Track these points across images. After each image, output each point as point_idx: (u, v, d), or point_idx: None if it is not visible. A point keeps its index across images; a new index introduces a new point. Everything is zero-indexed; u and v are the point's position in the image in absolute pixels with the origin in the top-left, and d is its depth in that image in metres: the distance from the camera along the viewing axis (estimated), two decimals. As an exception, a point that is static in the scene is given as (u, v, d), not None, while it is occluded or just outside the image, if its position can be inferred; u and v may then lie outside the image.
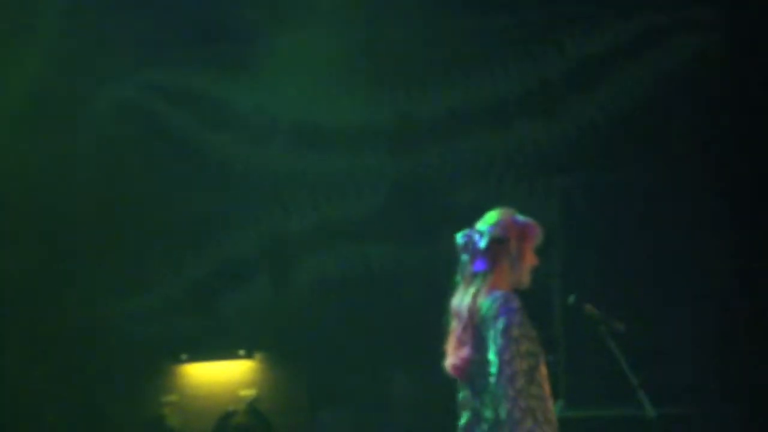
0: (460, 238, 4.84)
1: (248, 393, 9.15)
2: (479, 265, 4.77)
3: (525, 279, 4.78)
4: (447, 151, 8.73)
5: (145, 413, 9.03)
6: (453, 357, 4.74)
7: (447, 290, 4.94)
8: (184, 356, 9.14)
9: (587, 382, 7.30)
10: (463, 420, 4.81)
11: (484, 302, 4.64)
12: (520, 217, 4.81)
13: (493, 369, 4.47)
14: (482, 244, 4.74)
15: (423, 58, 8.67)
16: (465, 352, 4.71)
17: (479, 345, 4.65)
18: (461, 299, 4.76)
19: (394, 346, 8.47)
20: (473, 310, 4.67)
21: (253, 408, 9.02)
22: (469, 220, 8.03)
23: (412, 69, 8.72)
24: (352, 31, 8.49)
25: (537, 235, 4.79)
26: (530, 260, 4.81)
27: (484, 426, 4.63)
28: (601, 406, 7.13)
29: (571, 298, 5.26)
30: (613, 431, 7.04)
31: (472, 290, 4.71)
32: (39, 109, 8.77)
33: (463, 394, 4.86)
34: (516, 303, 4.45)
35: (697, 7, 8.47)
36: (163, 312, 8.95)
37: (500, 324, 4.47)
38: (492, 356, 4.46)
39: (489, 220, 4.80)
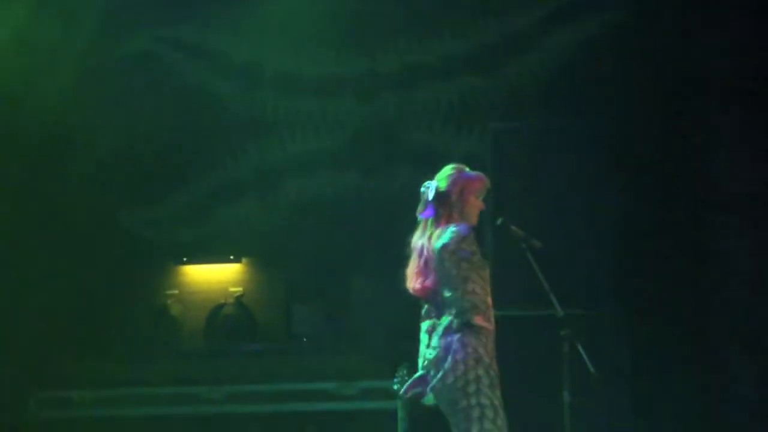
0: (422, 188, 6.04)
1: (236, 290, 10.42)
2: (427, 213, 6.04)
3: (471, 220, 5.95)
4: (403, 100, 9.95)
5: (153, 304, 10.28)
6: (415, 283, 6.04)
7: (400, 214, 6.61)
8: (184, 259, 10.43)
9: (511, 289, 7.93)
10: (424, 327, 6.06)
11: (438, 238, 5.82)
12: (468, 172, 6.10)
13: (450, 287, 5.65)
14: (430, 196, 5.94)
15: (384, 20, 9.75)
16: (427, 282, 5.96)
17: (438, 274, 5.84)
18: (418, 237, 6.02)
19: (356, 256, 9.69)
20: (429, 248, 5.89)
21: (239, 302, 10.31)
22: (420, 156, 9.11)
23: (375, 30, 9.81)
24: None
25: (480, 188, 6.09)
26: (474, 206, 6.04)
27: (440, 329, 5.82)
28: (523, 308, 8.06)
29: (499, 220, 6.53)
30: (532, 327, 7.98)
31: (428, 232, 5.92)
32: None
33: (425, 309, 6.07)
34: (466, 231, 5.70)
35: None
36: (169, 222, 10.21)
37: (455, 251, 5.68)
38: (448, 278, 5.65)
39: (441, 174, 6.03)
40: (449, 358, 5.82)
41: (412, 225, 6.33)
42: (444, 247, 5.80)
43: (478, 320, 5.83)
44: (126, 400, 9.33)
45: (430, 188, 6.08)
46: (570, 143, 8.98)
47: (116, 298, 10.05)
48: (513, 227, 6.53)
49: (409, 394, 6.55)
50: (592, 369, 6.58)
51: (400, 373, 7.07)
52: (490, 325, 5.89)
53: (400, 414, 7.38)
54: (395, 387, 7.08)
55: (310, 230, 10.10)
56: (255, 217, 10.24)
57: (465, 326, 5.81)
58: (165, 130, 9.69)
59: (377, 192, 9.87)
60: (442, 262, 5.86)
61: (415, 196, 6.26)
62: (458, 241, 5.76)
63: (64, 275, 9.54)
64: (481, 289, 5.80)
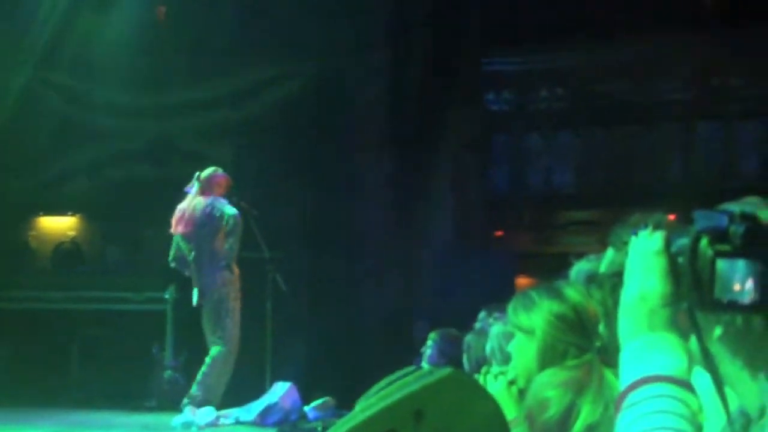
0: (195, 174, 9.31)
1: (71, 233, 13.03)
2: (189, 189, 9.50)
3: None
4: (183, 121, 12.66)
5: (18, 239, 12.79)
6: (176, 228, 9.40)
7: (175, 191, 9.67)
8: (41, 213, 12.91)
9: (243, 240, 9.69)
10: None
11: (197, 204, 9.22)
12: (218, 172, 9.50)
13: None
14: (194, 183, 9.42)
15: (169, 70, 12.49)
16: (184, 228, 9.31)
17: (197, 225, 9.12)
18: (184, 203, 9.29)
19: (148, 216, 11.64)
20: (190, 209, 9.20)
21: (74, 241, 12.85)
22: (192, 157, 11.71)
23: (166, 76, 12.46)
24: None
25: (221, 181, 9.48)
26: (217, 192, 9.36)
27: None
28: (243, 251, 9.69)
29: (234, 198, 9.53)
30: (249, 264, 9.81)
31: (192, 201, 9.22)
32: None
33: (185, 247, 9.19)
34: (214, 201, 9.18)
35: (300, 62, 12.39)
36: (32, 189, 12.73)
37: (211, 211, 9.10)
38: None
39: (207, 170, 9.51)
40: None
41: (181, 197, 9.60)
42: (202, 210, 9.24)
43: None
44: (3, 297, 11.78)
45: (198, 174, 9.53)
46: (279, 156, 12.08)
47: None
48: (242, 203, 9.67)
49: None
50: (284, 287, 9.77)
51: (170, 289, 10.68)
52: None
53: (169, 313, 10.84)
54: (166, 296, 10.72)
55: (118, 199, 12.57)
56: (84, 190, 12.89)
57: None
58: (35, 134, 12.44)
59: (163, 178, 12.06)
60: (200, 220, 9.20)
61: (187, 182, 9.61)
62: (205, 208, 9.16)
63: None
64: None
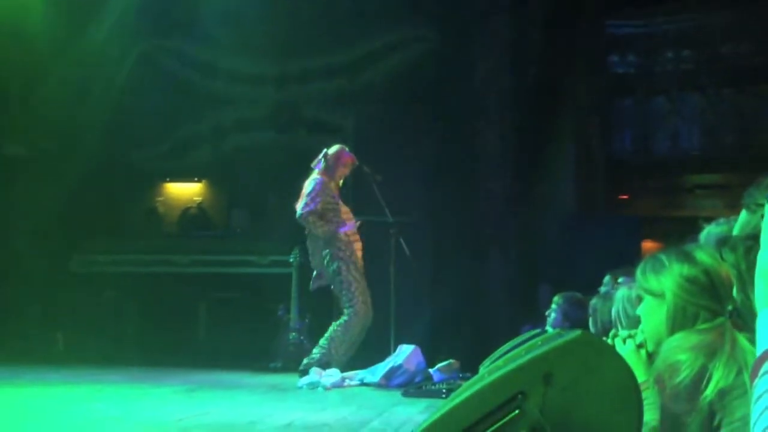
0: (324, 149, 9.15)
1: (198, 199, 13.30)
2: (318, 165, 9.26)
3: (336, 177, 9.11)
4: (303, 90, 12.86)
5: (146, 206, 13.16)
6: (296, 205, 9.09)
7: (300, 160, 9.53)
8: (168, 179, 13.29)
9: (364, 205, 9.90)
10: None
11: (307, 183, 9.03)
12: (345, 150, 9.28)
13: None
14: (321, 156, 9.23)
15: (291, 41, 12.44)
16: (297, 206, 9.08)
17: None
18: (307, 179, 9.11)
19: (272, 182, 12.07)
20: (306, 185, 9.11)
21: (200, 206, 13.11)
22: (314, 125, 12.43)
23: (285, 47, 12.54)
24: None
25: (349, 162, 9.27)
26: (342, 172, 9.22)
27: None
28: (370, 216, 9.74)
29: (357, 163, 9.36)
30: (374, 227, 9.82)
31: (312, 175, 9.12)
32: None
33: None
34: (320, 179, 8.95)
35: (421, 28, 12.43)
36: (159, 158, 13.03)
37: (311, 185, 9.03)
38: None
39: (333, 147, 9.30)
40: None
41: (304, 165, 9.41)
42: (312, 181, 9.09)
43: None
44: (131, 262, 12.09)
45: (326, 151, 9.26)
46: (400, 123, 12.09)
47: (129, 201, 12.93)
48: (364, 167, 9.56)
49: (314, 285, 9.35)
50: (408, 252, 9.63)
51: (294, 252, 10.63)
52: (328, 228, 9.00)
53: (294, 276, 10.77)
54: (291, 260, 10.67)
55: (242, 165, 12.82)
56: (210, 157, 13.17)
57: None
58: (159, 102, 12.23)
59: (286, 145, 12.36)
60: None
61: (310, 150, 9.52)
62: (312, 190, 9.04)
63: (95, 186, 12.22)
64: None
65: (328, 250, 9.09)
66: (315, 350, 9.26)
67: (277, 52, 12.66)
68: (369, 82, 12.71)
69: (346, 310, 9.13)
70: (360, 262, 9.23)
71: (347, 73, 12.90)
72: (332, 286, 9.21)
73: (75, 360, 10.73)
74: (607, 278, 6.47)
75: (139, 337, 11.66)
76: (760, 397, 1.58)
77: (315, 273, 9.27)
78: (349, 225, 9.23)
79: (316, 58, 12.86)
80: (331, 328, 9.24)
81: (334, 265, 9.08)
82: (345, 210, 9.35)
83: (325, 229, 9.11)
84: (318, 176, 9.17)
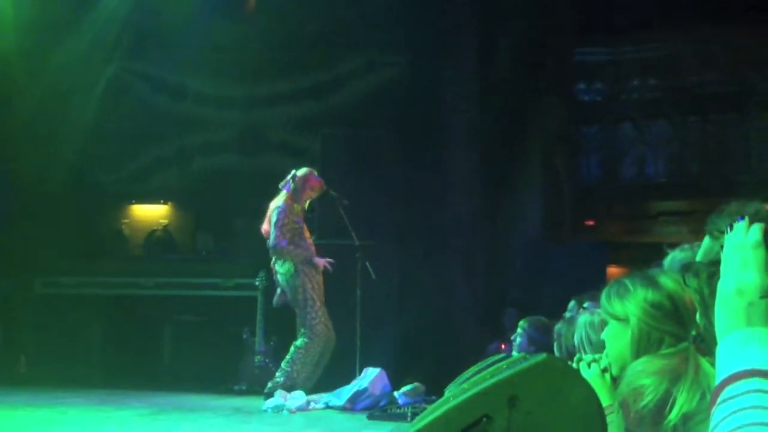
0: (291, 171, 9.08)
1: (164, 221, 13.34)
2: (286, 187, 9.22)
3: (303, 201, 9.12)
4: (272, 113, 12.97)
5: (112, 228, 13.23)
6: (263, 226, 9.14)
7: (266, 183, 9.54)
8: (133, 201, 13.34)
9: (329, 228, 10.34)
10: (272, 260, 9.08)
11: (273, 204, 8.99)
12: (313, 174, 9.25)
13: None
14: (289, 180, 9.18)
15: (260, 64, 12.72)
16: (264, 228, 9.17)
17: (270, 224, 8.93)
18: (274, 201, 9.07)
19: (238, 206, 11.97)
20: (271, 207, 9.05)
21: (165, 229, 13.15)
22: (280, 148, 12.40)
23: (254, 70, 12.83)
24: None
25: (315, 185, 9.24)
26: (309, 195, 9.24)
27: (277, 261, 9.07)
28: (332, 238, 10.10)
29: (324, 188, 9.40)
30: (339, 251, 9.69)
31: (279, 198, 9.05)
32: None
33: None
34: (282, 202, 8.91)
35: (389, 53, 12.56)
36: (125, 180, 13.18)
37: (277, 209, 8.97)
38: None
39: (301, 169, 9.23)
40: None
41: (270, 188, 9.43)
42: (276, 209, 9.04)
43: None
44: (95, 284, 11.99)
45: (294, 173, 9.23)
46: (367, 147, 12.02)
47: (94, 223, 12.93)
48: (331, 191, 9.58)
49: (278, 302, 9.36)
50: (374, 276, 9.59)
51: (260, 275, 10.51)
52: (301, 253, 8.94)
53: (260, 299, 10.64)
54: (257, 283, 10.57)
55: (208, 187, 12.90)
56: (176, 178, 13.26)
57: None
58: (126, 124, 12.70)
59: (253, 168, 12.49)
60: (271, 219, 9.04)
61: (277, 173, 9.50)
62: (278, 221, 8.99)
63: (61, 207, 12.07)
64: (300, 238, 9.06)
65: (292, 265, 9.07)
66: (278, 374, 9.25)
67: (245, 75, 12.83)
68: (336, 105, 12.85)
69: (303, 330, 9.11)
70: (321, 287, 9.25)
71: (315, 96, 13.06)
72: (292, 303, 9.19)
73: (38, 382, 10.66)
74: (572, 303, 6.50)
75: (103, 359, 11.62)
76: (716, 426, 1.60)
77: (279, 290, 9.26)
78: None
79: (284, 81, 13.02)
80: (291, 351, 9.23)
81: (298, 280, 9.07)
82: (308, 234, 9.39)
83: (301, 256, 9.15)
84: (282, 204, 9.14)
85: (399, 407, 8.64)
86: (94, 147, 12.78)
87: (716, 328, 1.72)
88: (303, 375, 9.13)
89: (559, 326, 5.27)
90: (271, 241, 9.07)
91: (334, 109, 12.83)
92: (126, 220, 13.37)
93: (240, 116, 13.18)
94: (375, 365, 9.28)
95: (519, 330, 7.05)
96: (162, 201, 13.45)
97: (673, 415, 2.66)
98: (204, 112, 13.17)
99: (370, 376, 9.03)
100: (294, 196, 9.23)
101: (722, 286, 1.72)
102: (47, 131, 12.34)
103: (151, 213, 13.48)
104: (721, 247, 1.84)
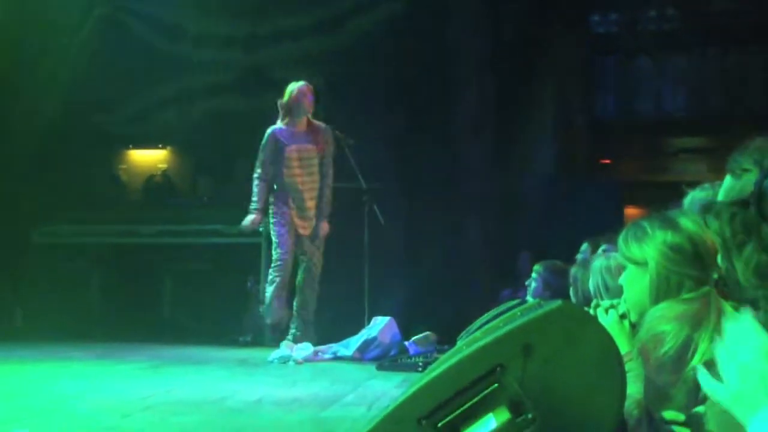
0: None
1: (162, 166, 13.27)
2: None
3: (306, 110, 9.16)
4: (273, 51, 12.84)
5: (109, 172, 13.07)
6: None
7: (268, 122, 9.48)
8: (131, 146, 13.23)
9: (338, 171, 9.73)
10: None
11: None
12: (297, 84, 9.31)
13: None
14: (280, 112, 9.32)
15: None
16: None
17: None
18: None
19: (238, 146, 11.53)
20: None
21: (164, 173, 13.10)
22: (283, 87, 10.82)
23: (257, 5, 12.71)
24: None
25: (303, 90, 9.27)
26: (305, 105, 9.19)
27: None
28: (339, 181, 9.72)
29: (329, 127, 9.39)
30: (346, 194, 9.98)
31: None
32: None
33: None
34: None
35: None
36: (121, 123, 13.04)
37: None
38: None
39: (289, 85, 9.32)
40: None
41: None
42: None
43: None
44: (93, 232, 11.99)
45: (279, 102, 9.35)
46: (372, 84, 12.19)
47: (90, 169, 12.70)
48: (336, 132, 9.55)
49: None
50: (381, 220, 9.77)
51: (264, 220, 9.73)
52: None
53: (264, 246, 10.58)
54: (260, 229, 10.09)
55: (208, 130, 12.79)
56: (175, 121, 13.18)
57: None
58: (121, 65, 12.45)
59: (254, 109, 11.70)
60: None
61: (278, 115, 9.48)
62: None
63: (55, 151, 12.18)
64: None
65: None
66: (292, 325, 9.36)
67: (245, 13, 12.74)
68: (339, 42, 12.71)
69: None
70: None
71: (317, 33, 12.93)
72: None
73: (35, 336, 10.61)
74: (584, 245, 6.50)
75: (103, 311, 11.62)
76: None
77: None
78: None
79: (285, 19, 12.91)
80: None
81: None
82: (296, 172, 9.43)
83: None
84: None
85: (409, 357, 8.67)
86: (88, 90, 12.53)
87: (734, 398, 1.68)
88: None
89: (574, 270, 5.27)
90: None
91: (338, 47, 12.68)
92: (123, 166, 13.30)
93: (240, 56, 13.11)
94: (384, 313, 9.30)
95: (534, 275, 7.08)
96: (160, 145, 13.38)
97: (695, 362, 2.66)
98: (202, 52, 13.08)
99: (380, 325, 9.05)
100: (290, 118, 9.38)
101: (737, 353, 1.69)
102: (36, 73, 12.30)
103: (149, 158, 13.41)
104: (746, 182, 1.82)
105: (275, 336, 9.39)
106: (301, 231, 9.29)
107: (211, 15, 12.79)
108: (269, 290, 9.21)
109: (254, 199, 9.31)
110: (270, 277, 9.22)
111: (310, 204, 9.31)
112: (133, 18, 13.08)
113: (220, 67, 13.19)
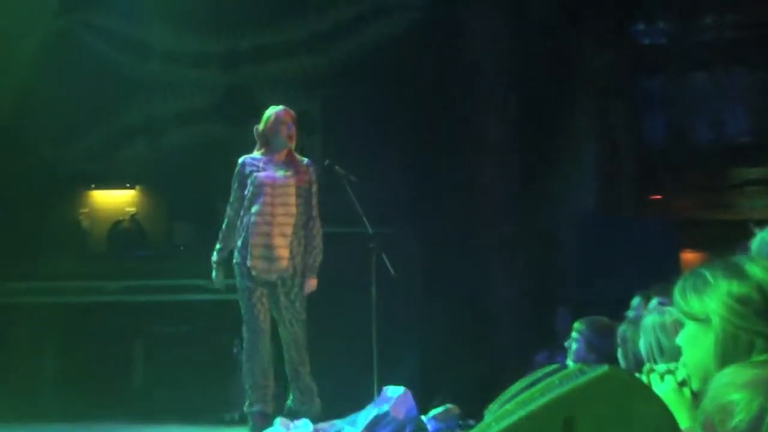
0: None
1: (131, 210, 13.15)
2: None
3: (279, 147, 8.98)
4: (257, 71, 13.01)
5: (69, 218, 12.92)
6: None
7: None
8: (93, 186, 13.08)
9: (334, 212, 9.79)
10: None
11: None
12: (274, 109, 9.16)
13: None
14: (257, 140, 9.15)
15: (242, 12, 12.66)
16: None
17: None
18: None
19: (220, 186, 10.48)
20: None
21: (133, 218, 12.95)
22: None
23: (236, 20, 12.78)
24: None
25: (281, 116, 9.12)
26: (284, 131, 9.05)
27: None
28: (342, 226, 9.88)
29: (326, 162, 9.45)
30: (348, 241, 9.97)
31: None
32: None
33: None
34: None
35: None
36: (81, 158, 13.01)
37: None
38: None
39: (267, 110, 9.18)
40: None
41: None
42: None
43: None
44: (48, 290, 11.82)
45: (255, 128, 9.31)
46: (377, 110, 11.99)
47: (42, 215, 12.68)
48: (336, 167, 9.46)
49: None
50: (392, 271, 9.39)
51: None
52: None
53: None
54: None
55: (185, 166, 12.80)
56: (145, 155, 13.20)
57: None
58: (80, 90, 12.40)
59: (238, 140, 11.54)
60: None
61: None
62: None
63: (3, 195, 12.05)
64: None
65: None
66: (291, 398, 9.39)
67: (226, 26, 12.90)
68: (339, 60, 12.90)
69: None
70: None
71: (313, 49, 13.09)
72: None
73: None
74: (636, 300, 6.49)
75: (60, 384, 11.51)
76: None
77: None
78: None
79: (275, 32, 13.06)
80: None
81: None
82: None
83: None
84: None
85: (429, 435, 8.44)
86: (41, 119, 12.70)
87: None
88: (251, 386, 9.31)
89: (623, 329, 5.27)
90: None
91: (337, 65, 12.88)
92: (85, 210, 13.28)
93: (221, 76, 13.25)
94: (397, 383, 9.18)
95: (574, 334, 7.02)
96: (128, 185, 13.40)
97: (771, 437, 2.64)
98: (176, 73, 13.22)
99: (392, 397, 8.93)
100: (267, 146, 9.35)
101: None
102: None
103: (115, 199, 13.41)
104: None
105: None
106: (265, 276, 9.19)
107: (183, 29, 12.98)
108: (247, 383, 9.24)
109: (218, 247, 9.33)
110: (244, 367, 9.28)
111: (280, 241, 9.15)
112: (92, 34, 13.23)
113: (196, 89, 13.29)
